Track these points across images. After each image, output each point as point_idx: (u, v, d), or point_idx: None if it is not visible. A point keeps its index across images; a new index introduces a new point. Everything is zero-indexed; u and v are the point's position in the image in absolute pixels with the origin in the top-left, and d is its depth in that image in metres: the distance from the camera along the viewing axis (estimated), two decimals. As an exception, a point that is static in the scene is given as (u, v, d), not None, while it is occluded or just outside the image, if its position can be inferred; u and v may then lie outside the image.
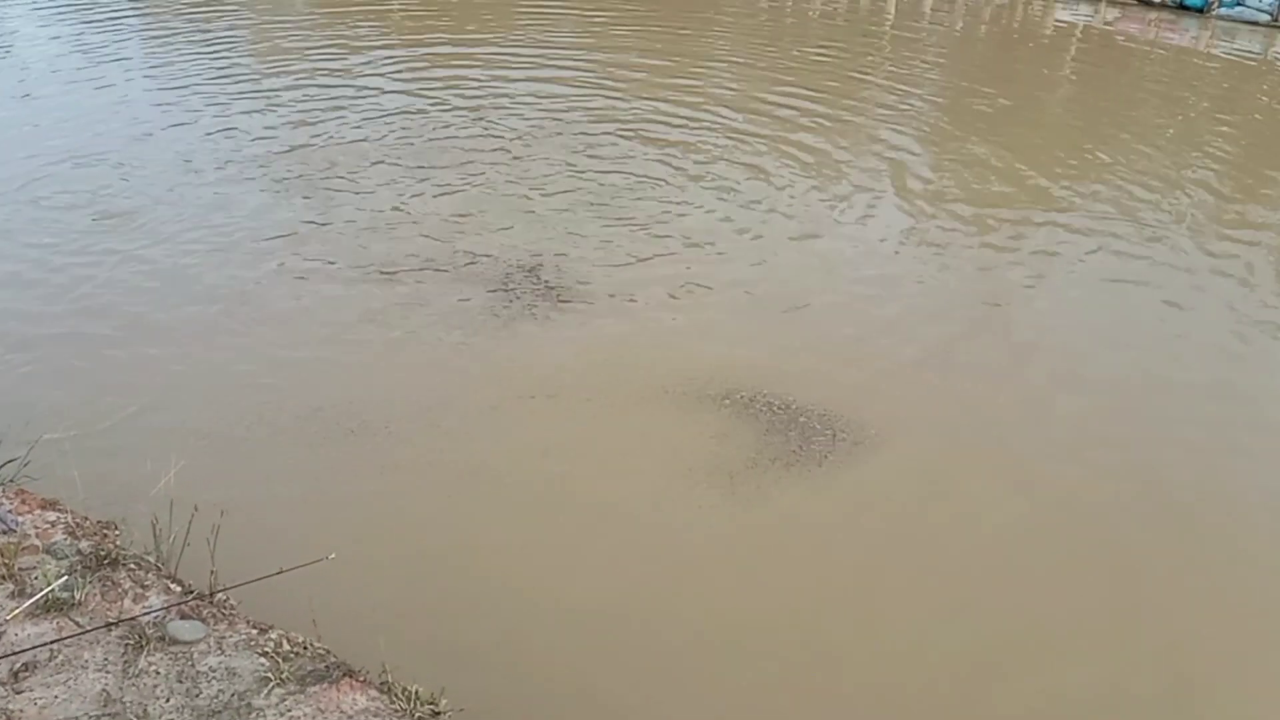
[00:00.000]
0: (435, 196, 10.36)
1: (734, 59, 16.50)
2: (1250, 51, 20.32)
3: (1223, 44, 20.76)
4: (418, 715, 4.14)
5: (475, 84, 14.26)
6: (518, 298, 8.40)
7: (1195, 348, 8.50)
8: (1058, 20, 22.06)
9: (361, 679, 4.27)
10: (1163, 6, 23.13)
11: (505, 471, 6.47)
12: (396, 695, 4.21)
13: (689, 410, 7.13)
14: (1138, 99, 16.71)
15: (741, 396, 7.23)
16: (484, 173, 11.02)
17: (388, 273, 8.77)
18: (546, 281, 8.70)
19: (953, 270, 9.55)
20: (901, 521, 6.27)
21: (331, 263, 8.96)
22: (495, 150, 11.71)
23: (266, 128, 12.20)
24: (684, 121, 13.06)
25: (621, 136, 12.35)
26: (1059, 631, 5.55)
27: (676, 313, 8.44)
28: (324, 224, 9.67)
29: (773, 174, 11.48)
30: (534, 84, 14.36)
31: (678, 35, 17.93)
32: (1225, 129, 14.95)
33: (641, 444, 6.84)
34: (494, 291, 8.49)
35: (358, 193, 10.42)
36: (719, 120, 13.21)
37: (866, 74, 16.32)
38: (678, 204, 10.49)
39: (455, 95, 13.68)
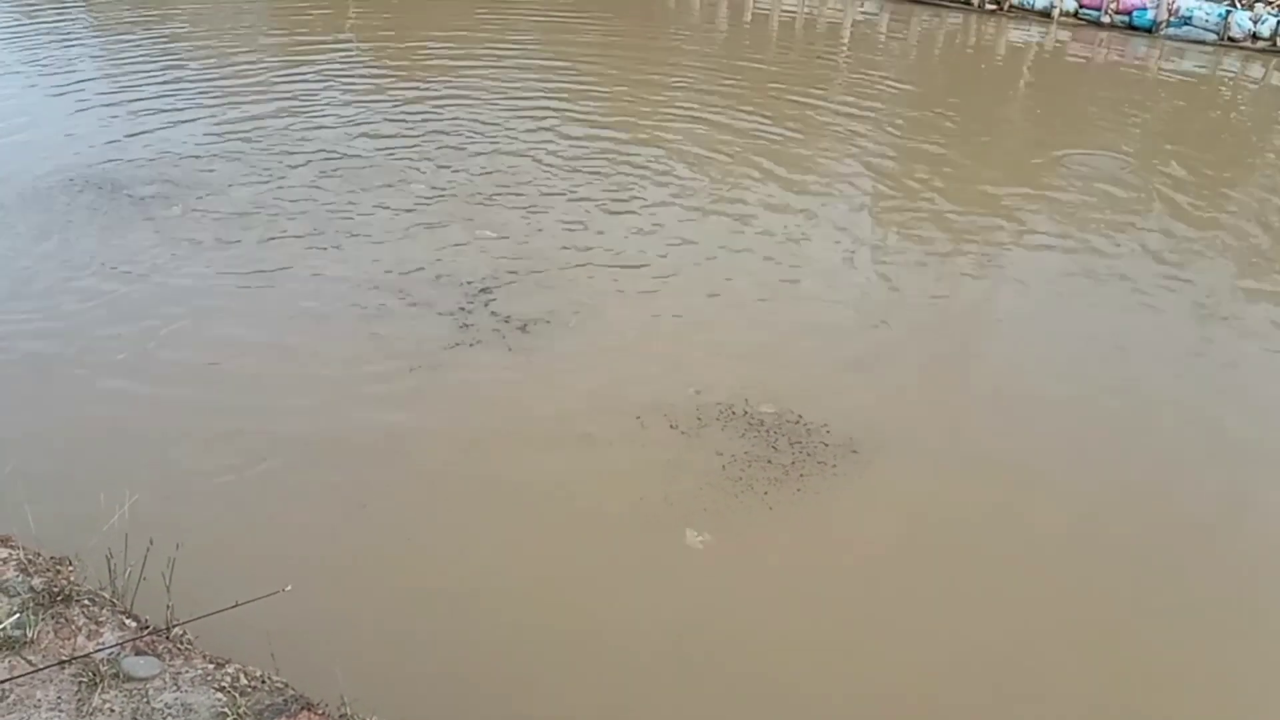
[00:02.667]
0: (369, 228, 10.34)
1: (694, 86, 16.60)
2: (1198, 70, 20.75)
3: (1171, 62, 21.17)
4: (377, 746, 4.12)
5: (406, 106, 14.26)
6: (477, 324, 8.38)
7: (1157, 350, 8.73)
8: (1010, 40, 22.40)
9: (320, 712, 4.24)
10: (1112, 27, 23.54)
11: (468, 498, 6.46)
12: (355, 727, 4.19)
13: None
14: (1090, 114, 17.03)
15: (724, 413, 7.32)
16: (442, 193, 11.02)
17: (352, 302, 8.73)
18: (500, 311, 8.70)
19: (920, 282, 9.68)
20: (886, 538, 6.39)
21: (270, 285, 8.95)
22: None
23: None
24: (641, 145, 13.12)
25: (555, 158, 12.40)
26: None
27: (648, 338, 8.52)
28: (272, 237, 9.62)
29: (733, 194, 11.56)
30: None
31: (639, 58, 18.04)
32: (1174, 144, 15.30)
33: (608, 470, 6.88)
34: (451, 316, 8.47)
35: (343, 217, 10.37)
36: (678, 145, 13.29)
37: (821, 96, 16.48)
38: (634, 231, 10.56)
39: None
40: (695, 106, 14.98)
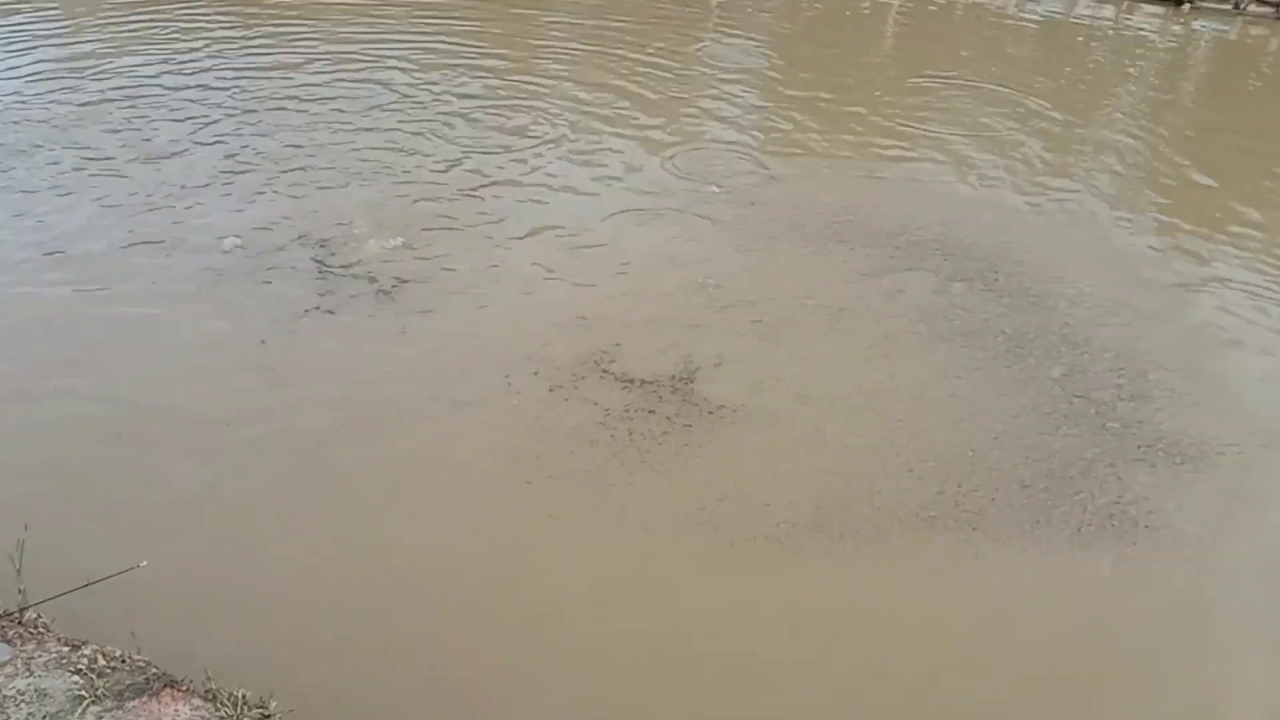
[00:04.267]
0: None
1: (568, 41, 16.35)
2: (1054, 13, 21.36)
3: (1030, 4, 21.77)
4: None
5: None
6: (336, 289, 8.14)
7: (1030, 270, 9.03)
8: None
9: (184, 688, 4.12)
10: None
11: (334, 468, 6.32)
12: (222, 701, 4.08)
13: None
14: (959, 57, 17.41)
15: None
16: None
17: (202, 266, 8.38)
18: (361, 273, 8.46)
19: (799, 230, 9.78)
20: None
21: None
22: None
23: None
24: (516, 99, 12.90)
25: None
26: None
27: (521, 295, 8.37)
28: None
29: (601, 149, 11.46)
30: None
31: (508, 14, 17.70)
32: (1041, 81, 15.78)
33: (473, 427, 6.79)
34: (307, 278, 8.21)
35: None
36: (555, 98, 13.10)
37: (693, 46, 16.45)
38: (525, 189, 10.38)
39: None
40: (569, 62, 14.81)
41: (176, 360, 7.19)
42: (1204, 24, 21.48)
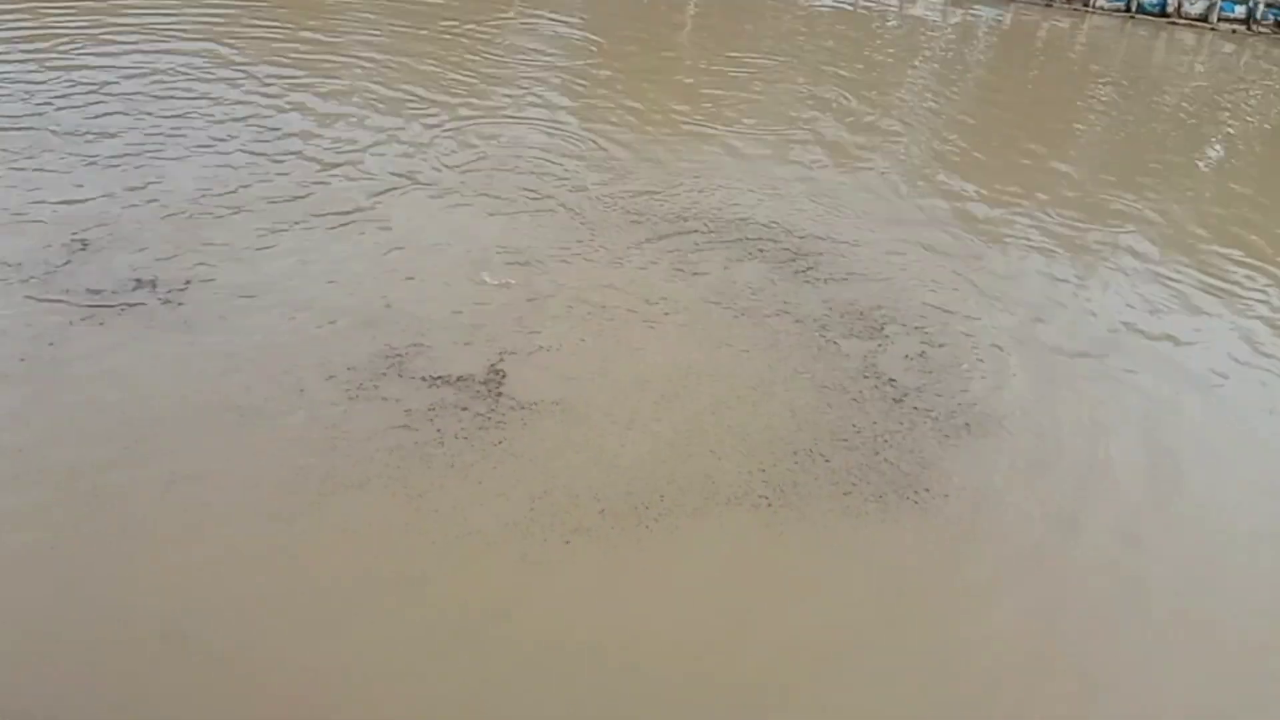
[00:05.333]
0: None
1: (364, 32, 15.76)
2: (843, 2, 22.08)
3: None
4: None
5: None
6: (106, 290, 7.49)
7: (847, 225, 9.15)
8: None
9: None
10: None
11: (101, 489, 5.78)
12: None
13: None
14: (757, 43, 17.75)
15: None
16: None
17: None
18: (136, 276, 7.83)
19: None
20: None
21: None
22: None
23: None
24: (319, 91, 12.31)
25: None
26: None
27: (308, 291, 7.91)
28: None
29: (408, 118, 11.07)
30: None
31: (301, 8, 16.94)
32: (844, 68, 16.26)
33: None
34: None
35: None
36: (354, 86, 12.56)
37: (495, 37, 16.14)
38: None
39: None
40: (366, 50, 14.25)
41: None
42: (981, 10, 22.63)
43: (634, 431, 6.57)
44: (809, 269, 8.90)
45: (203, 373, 6.68)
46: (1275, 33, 21.99)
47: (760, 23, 19.73)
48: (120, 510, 5.54)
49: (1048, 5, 23.32)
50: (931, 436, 6.85)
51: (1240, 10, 22.17)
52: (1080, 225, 10.79)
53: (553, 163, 10.67)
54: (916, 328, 8.16)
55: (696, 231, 9.35)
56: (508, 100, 12.61)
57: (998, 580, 5.88)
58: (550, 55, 15.04)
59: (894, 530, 6.05)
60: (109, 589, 5.08)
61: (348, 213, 8.98)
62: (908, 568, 5.84)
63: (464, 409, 6.54)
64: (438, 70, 13.37)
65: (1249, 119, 16.77)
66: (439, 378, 6.82)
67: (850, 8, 21.60)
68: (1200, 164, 14.26)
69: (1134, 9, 22.80)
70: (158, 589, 5.11)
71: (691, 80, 14.44)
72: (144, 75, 11.74)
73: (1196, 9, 22.43)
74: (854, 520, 6.05)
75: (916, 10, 22.12)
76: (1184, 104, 17.09)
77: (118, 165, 9.33)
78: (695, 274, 8.59)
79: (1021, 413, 7.28)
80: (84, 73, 11.59)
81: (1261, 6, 22.02)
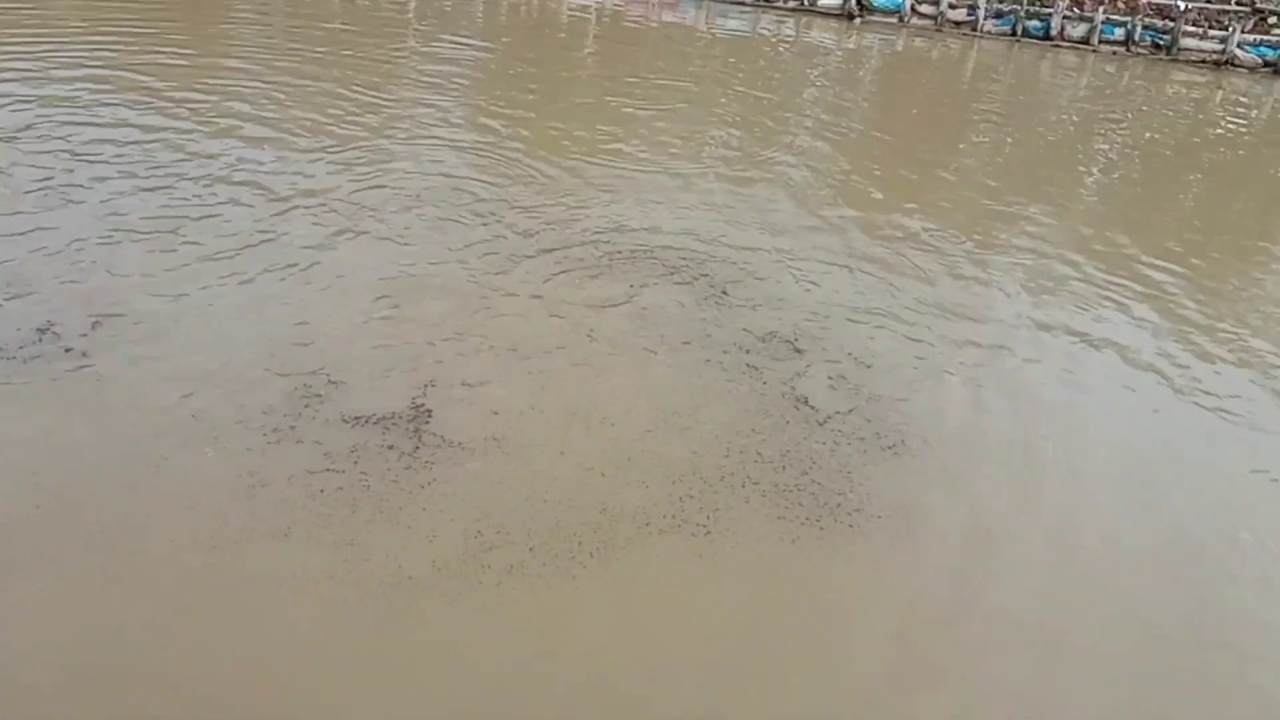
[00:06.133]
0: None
1: (266, 63, 15.40)
2: (741, 29, 22.45)
3: (719, 21, 22.80)
4: None
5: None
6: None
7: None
8: (570, 9, 22.95)
9: None
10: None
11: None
12: None
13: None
14: (656, 67, 17.88)
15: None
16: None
17: None
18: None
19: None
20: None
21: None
22: None
23: None
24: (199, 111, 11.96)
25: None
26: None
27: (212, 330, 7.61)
28: None
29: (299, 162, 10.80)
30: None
31: (200, 36, 16.50)
32: (736, 88, 16.46)
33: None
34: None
35: None
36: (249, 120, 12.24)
37: (396, 63, 15.94)
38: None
39: None
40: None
41: None
42: (874, 36, 23.17)
43: (565, 466, 6.45)
44: (730, 297, 8.87)
45: (111, 422, 6.37)
46: (1153, 54, 22.95)
47: (658, 50, 19.88)
48: (41, 569, 5.23)
49: (938, 30, 24.00)
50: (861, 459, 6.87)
51: (1119, 33, 23.09)
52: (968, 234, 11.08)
53: (463, 190, 10.52)
54: (833, 353, 8.21)
55: (618, 262, 9.27)
56: (410, 124, 12.44)
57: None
58: (454, 81, 14.92)
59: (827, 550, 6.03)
60: (21, 649, 4.78)
61: (249, 246, 8.71)
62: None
63: (391, 447, 6.36)
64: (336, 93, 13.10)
65: (1129, 132, 17.44)
66: (360, 417, 6.61)
67: (745, 35, 21.94)
68: (1086, 173, 14.75)
69: (1019, 33, 23.60)
70: (75, 647, 4.83)
71: (592, 109, 14.44)
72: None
73: (1079, 32, 23.31)
74: (779, 542, 6.02)
75: (812, 38, 22.56)
76: (1066, 119, 17.72)
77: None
78: (618, 304, 8.52)
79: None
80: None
81: (1139, 29, 22.96)
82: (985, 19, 23.86)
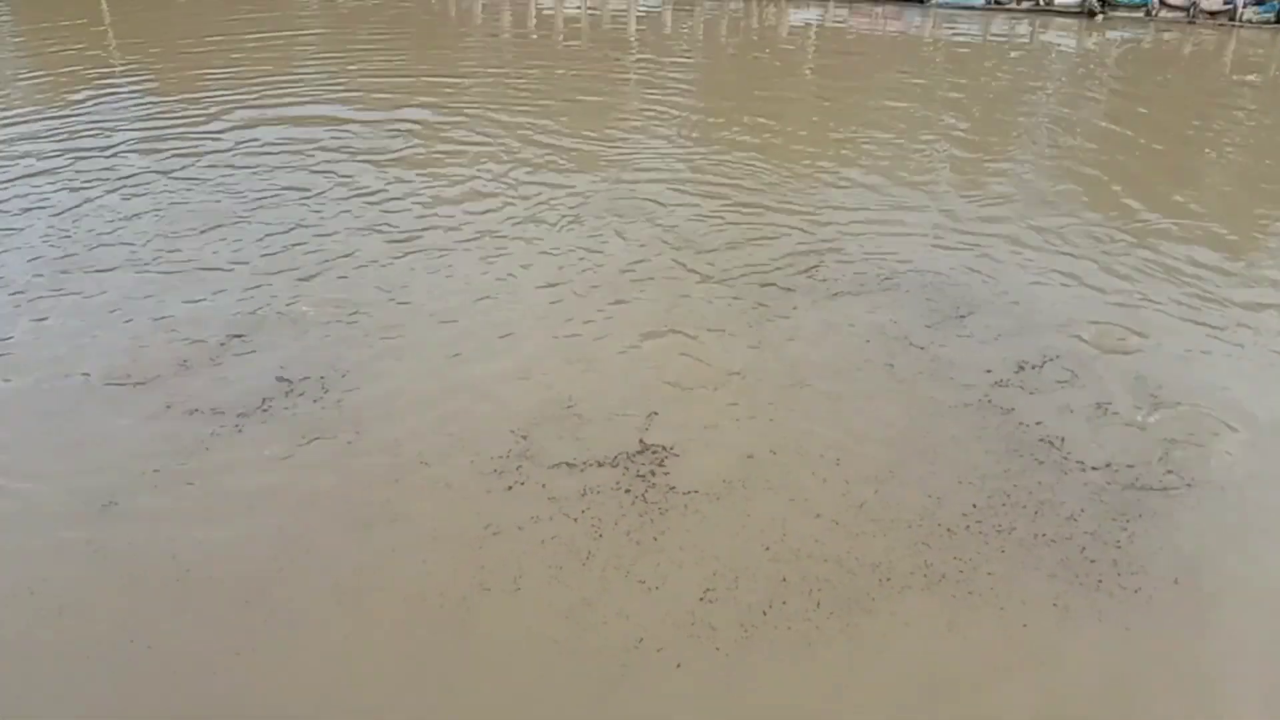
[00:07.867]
0: None
1: (491, 84, 15.85)
2: (970, 33, 21.40)
3: (945, 28, 21.80)
4: None
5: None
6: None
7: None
8: (792, 24, 22.59)
9: None
10: (886, 0, 24.11)
11: (249, 597, 5.57)
12: None
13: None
14: (876, 82, 17.24)
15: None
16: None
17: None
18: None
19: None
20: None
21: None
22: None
23: None
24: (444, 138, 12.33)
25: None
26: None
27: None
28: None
29: (525, 193, 10.89)
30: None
31: (424, 55, 17.20)
32: (959, 100, 15.63)
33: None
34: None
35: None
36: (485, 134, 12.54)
37: (623, 88, 16.04)
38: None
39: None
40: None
41: None
42: (1118, 34, 21.64)
43: (798, 514, 6.06)
44: (980, 330, 8.23)
45: (331, 477, 6.44)
46: None
47: (876, 68, 19.19)
48: (288, 624, 5.32)
49: (1190, 22, 22.17)
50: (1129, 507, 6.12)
51: None
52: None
53: (696, 224, 10.34)
54: (1081, 381, 7.46)
55: (860, 293, 8.79)
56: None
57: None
58: (678, 115, 14.83)
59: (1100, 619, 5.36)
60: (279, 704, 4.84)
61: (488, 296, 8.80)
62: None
63: (627, 491, 6.15)
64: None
65: None
66: (590, 462, 6.45)
67: (975, 40, 20.92)
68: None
69: (1286, 19, 21.52)
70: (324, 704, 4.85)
71: (830, 124, 13.99)
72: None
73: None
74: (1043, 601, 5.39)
75: (1048, 38, 21.29)
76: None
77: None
78: (864, 340, 8.04)
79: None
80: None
81: None
82: (1245, 6, 21.86)
